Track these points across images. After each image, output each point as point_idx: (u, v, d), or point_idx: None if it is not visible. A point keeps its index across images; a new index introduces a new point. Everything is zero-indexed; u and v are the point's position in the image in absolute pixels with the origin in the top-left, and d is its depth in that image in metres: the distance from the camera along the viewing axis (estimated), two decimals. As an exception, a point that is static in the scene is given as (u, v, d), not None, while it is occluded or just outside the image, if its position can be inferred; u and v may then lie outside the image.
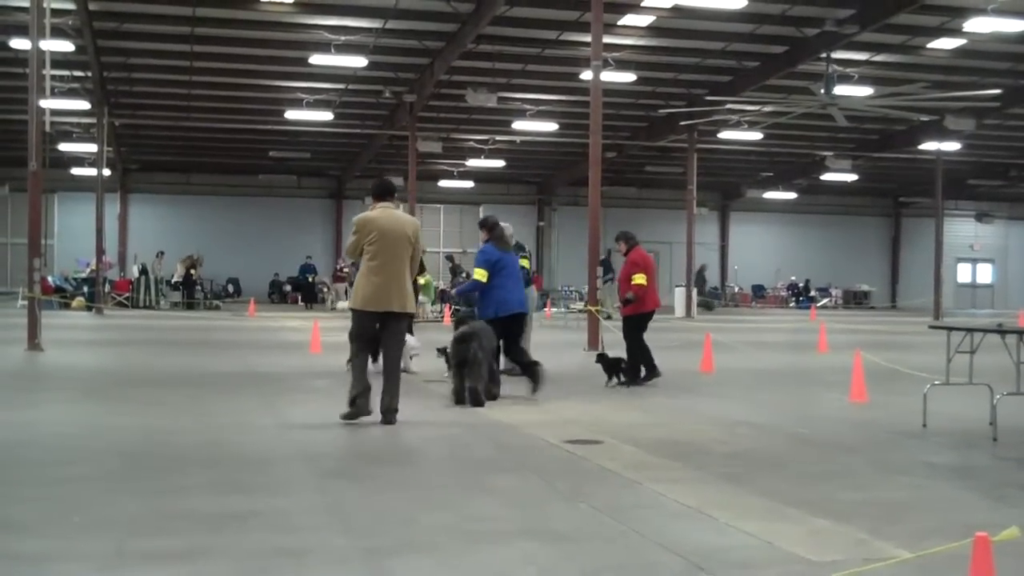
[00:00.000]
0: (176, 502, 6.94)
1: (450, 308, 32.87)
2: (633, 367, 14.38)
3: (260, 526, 6.36)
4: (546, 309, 35.10)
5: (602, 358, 14.54)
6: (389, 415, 10.40)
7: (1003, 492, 7.69)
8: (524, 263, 15.54)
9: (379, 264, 10.30)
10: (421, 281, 32.48)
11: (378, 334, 10.62)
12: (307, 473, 8.06)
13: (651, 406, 12.30)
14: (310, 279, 42.79)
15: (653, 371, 14.51)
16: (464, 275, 38.44)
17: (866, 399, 12.76)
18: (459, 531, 6.27)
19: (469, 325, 12.13)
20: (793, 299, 51.15)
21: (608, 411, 11.70)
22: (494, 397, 12.22)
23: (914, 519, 6.75)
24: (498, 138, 41.37)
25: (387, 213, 10.52)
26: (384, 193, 10.69)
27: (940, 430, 10.42)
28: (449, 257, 43.99)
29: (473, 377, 11.71)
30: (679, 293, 39.07)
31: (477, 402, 11.70)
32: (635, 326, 14.69)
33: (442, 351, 13.85)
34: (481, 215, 48.76)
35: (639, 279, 14.46)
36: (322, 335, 19.61)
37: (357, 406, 10.31)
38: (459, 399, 11.81)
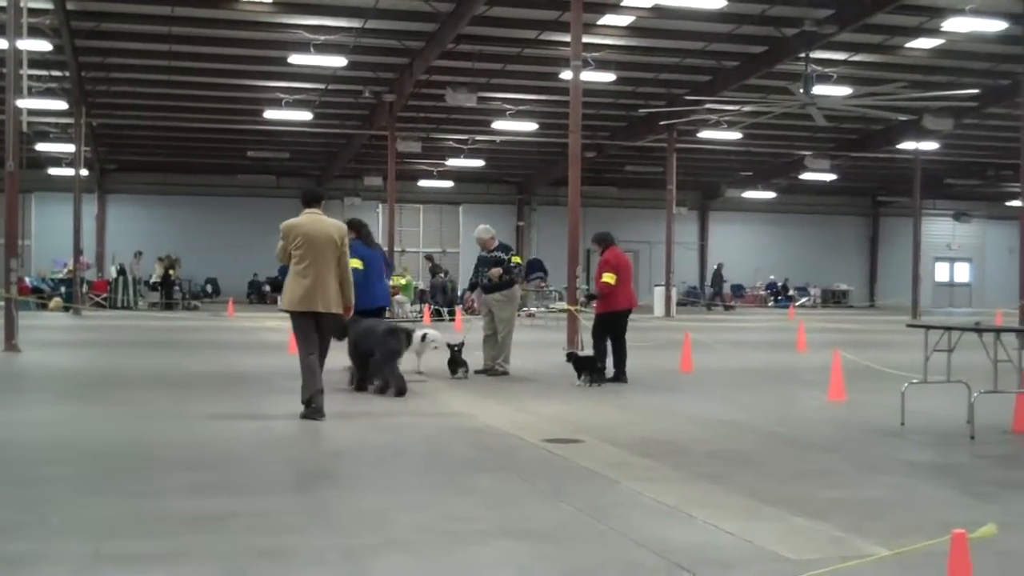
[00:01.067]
0: (155, 503, 6.91)
1: (429, 308, 32.88)
2: (597, 363, 14.39)
3: (240, 527, 6.34)
4: (526, 308, 35.07)
5: (572, 356, 14.59)
6: (312, 409, 10.83)
7: (980, 489, 7.73)
8: (517, 260, 15.70)
9: (306, 267, 10.80)
10: (402, 281, 32.50)
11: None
12: (287, 473, 8.05)
13: (631, 405, 12.32)
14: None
15: (601, 374, 14.36)
16: (443, 274, 38.50)
17: (844, 398, 12.82)
18: (439, 531, 6.26)
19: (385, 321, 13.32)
20: (772, 298, 51.32)
21: (588, 410, 11.71)
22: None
23: (892, 517, 6.78)
24: (478, 138, 41.33)
25: (313, 219, 11.11)
26: (312, 200, 11.36)
27: (918, 428, 10.47)
28: (428, 256, 44.01)
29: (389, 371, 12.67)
30: (658, 292, 39.13)
31: (401, 391, 12.56)
32: (603, 325, 14.74)
33: (452, 346, 14.70)
34: (461, 215, 49.06)
35: (607, 278, 14.53)
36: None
37: (313, 408, 10.69)
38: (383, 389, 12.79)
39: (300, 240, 10.89)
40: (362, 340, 12.85)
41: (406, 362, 13.87)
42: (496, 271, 15.47)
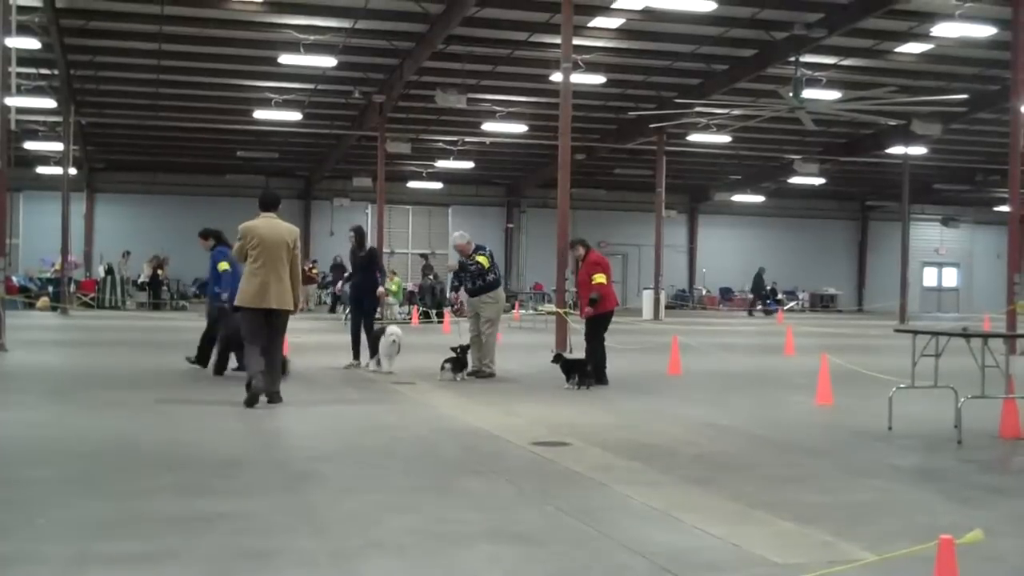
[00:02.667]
0: (142, 504, 6.89)
1: (418, 310, 32.85)
2: (597, 368, 14.42)
3: (227, 528, 6.32)
4: (514, 311, 35.10)
5: (560, 358, 14.57)
6: (273, 397, 11.68)
7: (967, 495, 7.75)
8: (481, 260, 15.57)
9: (259, 266, 11.58)
10: (392, 287, 32.44)
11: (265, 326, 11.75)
12: (274, 475, 8.03)
13: (618, 408, 12.32)
14: None
15: (602, 378, 14.52)
16: (433, 275, 38.48)
17: (832, 402, 12.83)
18: (426, 533, 6.26)
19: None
20: (760, 302, 51.33)
21: (575, 413, 11.71)
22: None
23: (879, 522, 6.79)
24: (467, 139, 41.32)
25: (268, 222, 11.89)
26: (269, 204, 12.11)
27: (905, 433, 10.49)
28: (423, 256, 43.99)
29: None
30: (647, 295, 39.18)
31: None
32: (598, 326, 14.74)
33: (455, 348, 14.97)
34: (450, 216, 49.02)
35: (600, 278, 14.53)
36: (289, 336, 19.49)
37: (253, 388, 11.42)
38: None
39: (256, 241, 11.64)
40: (233, 330, 13.76)
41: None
42: (452, 264, 15.76)
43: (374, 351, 15.99)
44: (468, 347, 15.23)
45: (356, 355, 16.54)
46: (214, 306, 15.38)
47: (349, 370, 16.08)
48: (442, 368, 14.88)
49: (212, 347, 15.32)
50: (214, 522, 6.44)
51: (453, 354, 14.95)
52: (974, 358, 10.28)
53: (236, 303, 11.92)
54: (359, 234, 16.82)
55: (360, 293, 16.75)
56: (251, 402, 11.39)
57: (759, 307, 46.76)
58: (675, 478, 8.08)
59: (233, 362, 14.92)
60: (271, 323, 11.74)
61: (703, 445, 9.77)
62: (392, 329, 15.89)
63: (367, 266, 16.58)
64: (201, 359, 15.61)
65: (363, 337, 16.48)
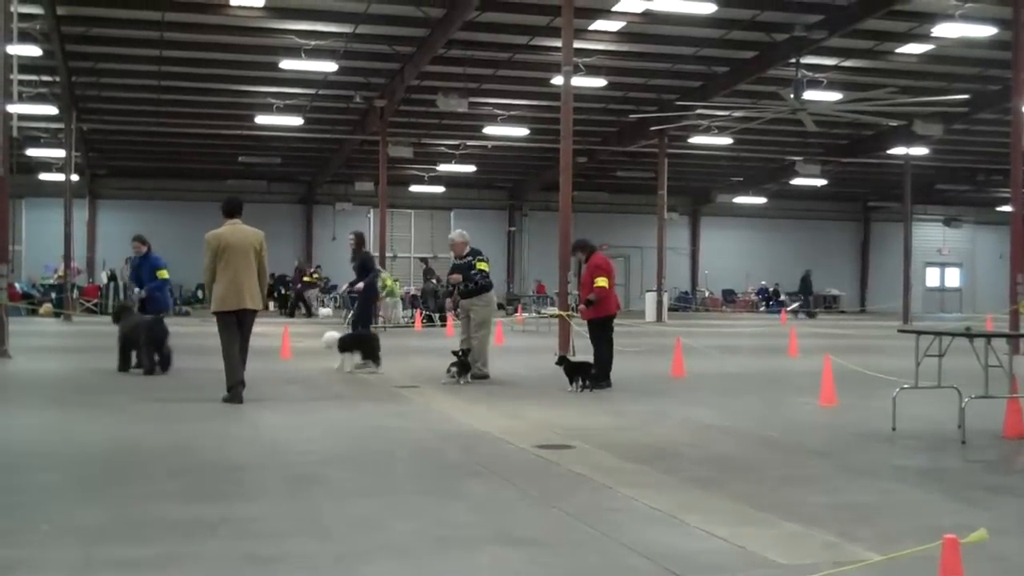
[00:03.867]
0: (146, 509, 6.90)
1: (421, 313, 32.84)
2: (600, 370, 14.42)
3: (231, 533, 6.33)
4: (518, 314, 35.10)
5: (564, 361, 14.55)
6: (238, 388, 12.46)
7: (972, 495, 7.74)
8: (482, 266, 15.65)
9: (230, 271, 12.33)
10: (388, 281, 32.42)
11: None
12: (278, 479, 8.03)
13: (622, 410, 12.31)
14: (282, 291, 42.15)
15: (606, 380, 14.51)
16: (435, 279, 38.46)
17: (836, 403, 12.82)
18: (431, 537, 6.26)
19: (135, 315, 16.12)
20: (763, 303, 51.37)
21: (579, 415, 11.70)
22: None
23: (884, 522, 6.79)
24: (469, 143, 41.34)
25: (234, 228, 12.68)
26: (233, 211, 12.88)
27: (909, 433, 10.48)
28: (423, 259, 43.98)
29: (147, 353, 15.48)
30: (650, 297, 39.17)
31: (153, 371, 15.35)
32: (601, 329, 14.74)
33: (456, 352, 15.14)
34: (452, 220, 49.01)
35: (601, 282, 14.54)
36: (292, 341, 19.54)
37: (234, 393, 12.28)
38: (148, 371, 15.45)
39: (223, 246, 12.40)
40: (132, 330, 15.78)
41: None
42: (456, 277, 15.64)
43: (365, 353, 16.50)
44: (468, 350, 15.26)
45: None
46: (132, 306, 17.03)
47: (352, 373, 16.13)
48: (448, 371, 14.91)
49: (157, 350, 15.90)
50: (218, 527, 6.44)
51: (455, 358, 14.98)
52: (977, 358, 10.27)
53: (213, 309, 12.58)
54: (359, 240, 18.06)
55: (362, 298, 17.54)
56: (231, 400, 12.25)
57: (805, 309, 46.60)
58: (679, 480, 8.08)
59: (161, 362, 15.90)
60: (242, 322, 12.53)
61: (707, 447, 9.76)
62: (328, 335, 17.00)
63: (359, 272, 17.52)
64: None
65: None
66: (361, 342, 16.73)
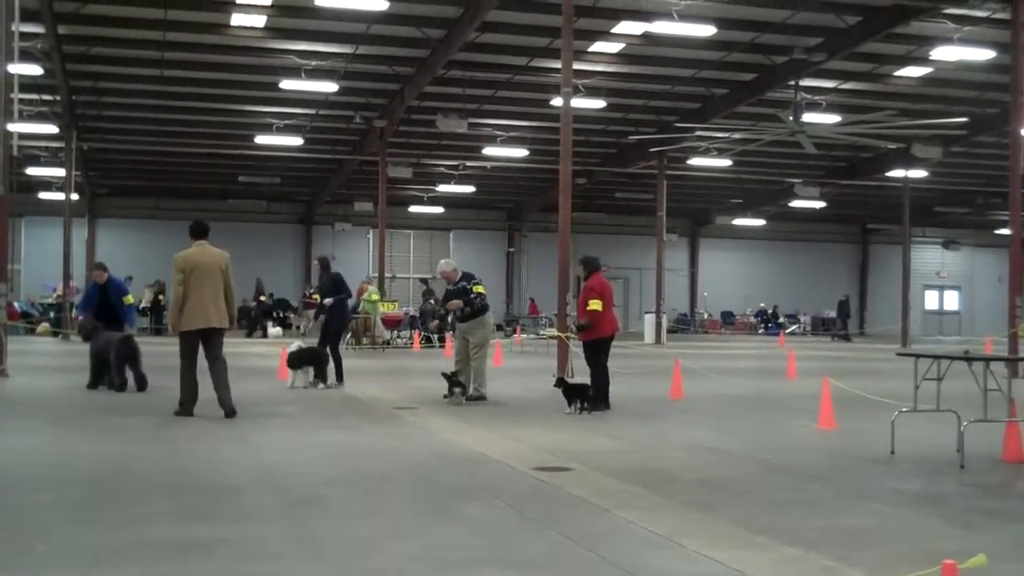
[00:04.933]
0: (142, 530, 6.87)
1: (419, 334, 32.80)
2: (598, 392, 14.41)
3: (228, 554, 6.31)
4: (516, 335, 35.07)
5: (562, 383, 14.54)
6: (228, 405, 12.85)
7: (970, 519, 7.72)
8: (479, 289, 15.71)
9: (198, 290, 12.75)
10: (375, 296, 32.36)
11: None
12: (275, 500, 8.01)
13: (620, 433, 12.29)
14: (281, 313, 41.98)
15: (605, 402, 14.50)
16: (434, 299, 38.42)
17: (834, 426, 12.80)
18: (428, 559, 6.23)
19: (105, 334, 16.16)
20: (762, 325, 51.36)
21: (577, 438, 11.68)
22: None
23: (882, 546, 6.77)
24: (468, 164, 41.44)
25: (201, 250, 13.16)
26: (200, 233, 13.37)
27: (908, 457, 10.46)
28: (423, 280, 43.97)
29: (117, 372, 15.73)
30: (648, 319, 39.17)
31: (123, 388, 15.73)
32: (596, 351, 14.73)
33: (447, 376, 15.24)
34: (451, 241, 49.06)
35: (594, 305, 14.53)
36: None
37: (184, 408, 12.90)
38: (119, 388, 15.79)
39: (191, 267, 12.83)
40: (103, 348, 15.97)
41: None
42: (456, 303, 15.67)
43: (338, 373, 17.36)
44: (458, 372, 15.33)
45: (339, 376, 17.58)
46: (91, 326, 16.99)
47: (306, 388, 16.83)
48: (452, 393, 14.93)
49: (131, 368, 16.17)
50: (214, 548, 6.42)
51: (445, 379, 15.09)
52: (976, 382, 10.26)
53: (180, 328, 12.91)
54: (324, 264, 18.84)
55: (328, 316, 18.08)
56: (182, 414, 12.81)
57: (843, 333, 46.52)
58: (677, 503, 8.06)
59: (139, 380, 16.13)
60: (210, 341, 12.97)
61: (705, 470, 9.74)
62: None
63: (332, 292, 17.95)
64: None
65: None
66: (314, 358, 17.20)
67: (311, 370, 17.03)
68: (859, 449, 11.09)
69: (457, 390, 14.94)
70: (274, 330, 37.91)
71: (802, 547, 6.63)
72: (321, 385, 16.93)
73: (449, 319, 19.12)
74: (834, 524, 7.46)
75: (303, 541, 6.68)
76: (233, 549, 6.42)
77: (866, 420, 13.24)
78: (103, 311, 16.87)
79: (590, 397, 14.14)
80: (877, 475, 9.65)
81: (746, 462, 10.24)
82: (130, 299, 17.35)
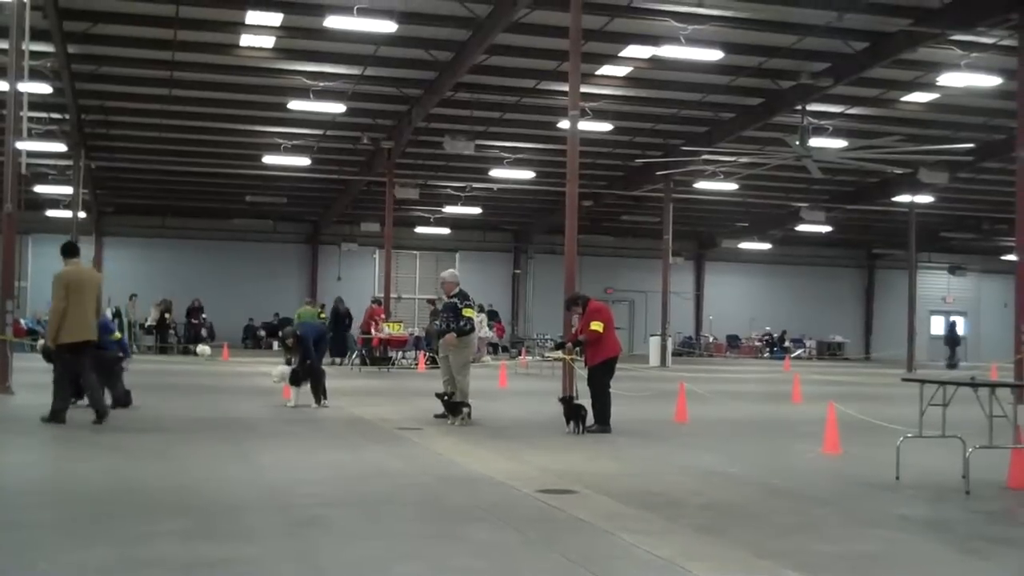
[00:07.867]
0: (145, 549, 6.86)
1: (424, 355, 32.76)
2: (600, 414, 14.42)
3: (230, 573, 6.30)
4: (521, 357, 35.04)
5: (566, 401, 14.60)
6: (102, 406, 13.89)
7: (975, 545, 7.69)
8: (468, 314, 15.76)
9: (79, 305, 13.54)
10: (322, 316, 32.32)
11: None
12: (279, 520, 7.99)
13: (625, 456, 12.27)
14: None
15: (605, 425, 14.50)
16: (438, 322, 38.39)
17: (839, 451, 12.77)
18: (431, 581, 6.22)
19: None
20: (767, 349, 51.28)
21: (581, 460, 11.66)
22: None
23: (887, 572, 6.75)
24: (475, 185, 41.48)
25: (77, 268, 14.12)
26: (73, 253, 14.17)
27: (913, 483, 10.43)
28: (431, 301, 43.96)
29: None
30: (654, 342, 39.14)
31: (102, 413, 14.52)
32: (601, 373, 14.76)
33: (440, 395, 15.42)
34: (457, 262, 49.16)
35: (595, 326, 14.62)
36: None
37: (56, 415, 13.60)
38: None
39: (75, 284, 13.61)
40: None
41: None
42: (450, 339, 15.74)
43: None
44: (453, 393, 15.42)
45: (321, 395, 17.54)
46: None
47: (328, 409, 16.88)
48: (459, 413, 14.98)
49: (109, 386, 15.95)
50: (216, 567, 6.41)
51: (440, 401, 15.30)
52: (982, 407, 10.23)
53: (62, 340, 13.54)
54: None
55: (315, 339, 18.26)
56: (53, 420, 13.56)
57: (954, 360, 46.00)
58: (682, 527, 8.03)
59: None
60: (86, 353, 13.88)
61: (710, 493, 9.71)
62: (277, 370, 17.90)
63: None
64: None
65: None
66: (311, 374, 17.33)
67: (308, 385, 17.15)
68: (864, 474, 11.06)
69: (466, 410, 15.02)
70: (204, 347, 37.01)
71: (807, 572, 6.61)
72: (324, 402, 17.04)
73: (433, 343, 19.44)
74: (839, 549, 7.43)
75: (306, 561, 6.66)
76: (236, 569, 6.41)
77: (871, 445, 13.21)
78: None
79: (584, 417, 14.22)
80: (882, 501, 9.62)
81: (751, 486, 10.22)
82: (117, 335, 17.28)
